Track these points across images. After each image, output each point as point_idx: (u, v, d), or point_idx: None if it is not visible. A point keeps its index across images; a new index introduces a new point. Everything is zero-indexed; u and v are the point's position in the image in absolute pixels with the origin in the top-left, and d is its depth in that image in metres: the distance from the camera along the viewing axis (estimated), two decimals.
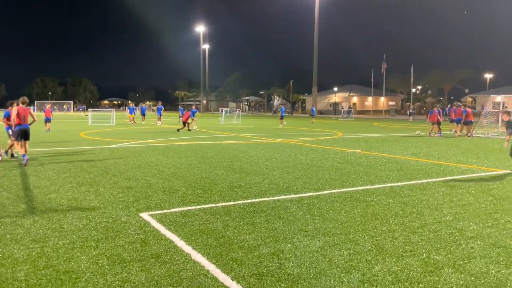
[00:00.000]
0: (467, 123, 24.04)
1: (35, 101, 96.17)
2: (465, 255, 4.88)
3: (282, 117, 35.30)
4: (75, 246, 5.06)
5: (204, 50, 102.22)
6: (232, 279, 4.15)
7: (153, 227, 5.83)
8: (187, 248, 4.99)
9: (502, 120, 25.00)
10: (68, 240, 5.27)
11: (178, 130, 25.87)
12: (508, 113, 11.51)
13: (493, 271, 4.43)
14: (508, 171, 10.90)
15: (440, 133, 24.49)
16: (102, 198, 7.61)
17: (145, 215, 6.43)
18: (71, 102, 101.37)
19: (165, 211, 6.73)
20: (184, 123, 26.35)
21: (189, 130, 25.97)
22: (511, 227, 5.98)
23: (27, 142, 11.88)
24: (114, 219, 6.22)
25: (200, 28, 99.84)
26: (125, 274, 4.26)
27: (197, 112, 29.94)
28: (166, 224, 5.96)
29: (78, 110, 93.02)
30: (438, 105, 28.53)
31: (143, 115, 39.55)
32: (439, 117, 24.86)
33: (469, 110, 25.01)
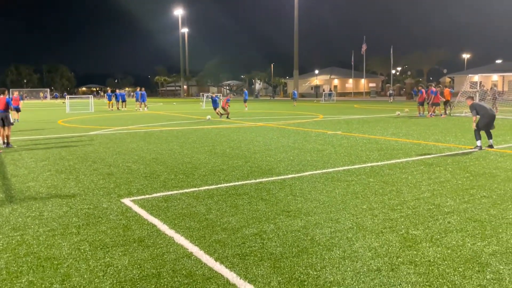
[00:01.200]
0: (434, 104, 24.45)
1: (10, 89, 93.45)
2: (442, 230, 5.02)
3: (245, 101, 35.31)
4: (56, 233, 5.01)
5: (183, 34, 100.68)
6: (216, 260, 4.18)
7: (135, 212, 5.80)
8: (170, 232, 4.99)
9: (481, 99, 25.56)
10: (48, 227, 5.21)
11: (227, 117, 23.96)
12: (471, 98, 12.10)
13: (469, 244, 4.57)
14: (476, 149, 11.17)
15: (421, 113, 24.89)
16: (82, 185, 7.52)
17: (126, 201, 6.39)
18: (48, 89, 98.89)
19: (147, 196, 6.70)
20: (223, 109, 24.63)
21: (224, 115, 24.31)
22: (487, 202, 6.16)
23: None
24: (95, 206, 6.16)
25: (179, 12, 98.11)
26: (108, 258, 4.24)
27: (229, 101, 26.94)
28: (148, 209, 5.94)
29: (54, 97, 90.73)
30: (433, 84, 28.46)
31: (124, 101, 38.90)
32: (422, 97, 25.17)
33: (445, 90, 25.48)
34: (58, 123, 22.18)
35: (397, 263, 4.10)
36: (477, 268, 3.97)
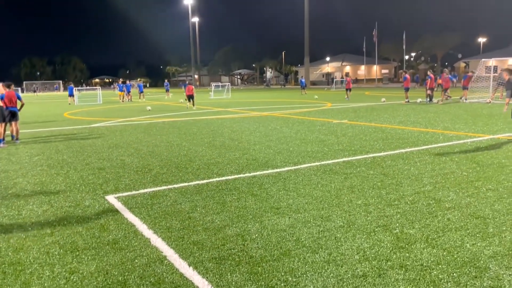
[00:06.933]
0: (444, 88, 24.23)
1: (24, 82, 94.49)
2: (440, 228, 4.63)
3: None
4: (29, 234, 4.76)
5: (194, 23, 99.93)
6: (189, 265, 3.88)
7: (117, 211, 5.53)
8: (148, 232, 4.71)
9: (499, 83, 24.42)
10: (22, 228, 4.97)
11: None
12: (510, 71, 10.01)
13: (468, 244, 4.19)
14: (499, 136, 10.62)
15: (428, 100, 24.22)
16: (70, 180, 7.29)
17: (111, 198, 6.13)
18: (60, 81, 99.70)
19: (134, 192, 6.43)
20: None
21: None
22: (492, 196, 5.73)
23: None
24: (77, 203, 5.91)
25: (188, 1, 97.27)
26: (75, 264, 3.98)
27: None
28: (131, 207, 5.67)
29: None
30: (446, 70, 27.64)
31: (141, 92, 39.24)
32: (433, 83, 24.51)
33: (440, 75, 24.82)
34: (64, 116, 22.12)
35: (386, 267, 3.75)
36: (474, 273, 3.59)
